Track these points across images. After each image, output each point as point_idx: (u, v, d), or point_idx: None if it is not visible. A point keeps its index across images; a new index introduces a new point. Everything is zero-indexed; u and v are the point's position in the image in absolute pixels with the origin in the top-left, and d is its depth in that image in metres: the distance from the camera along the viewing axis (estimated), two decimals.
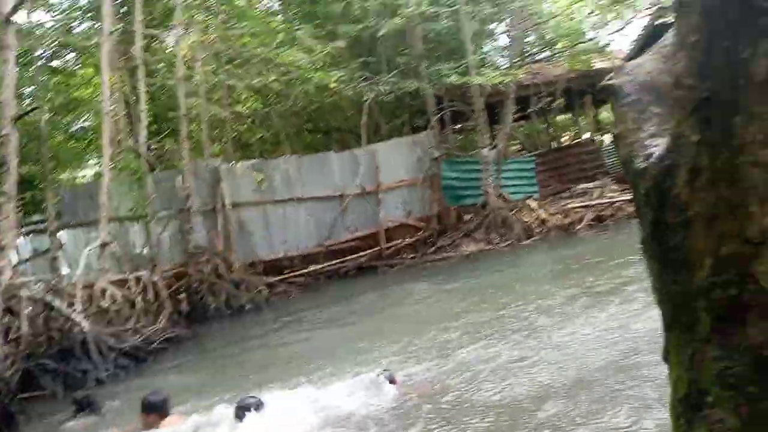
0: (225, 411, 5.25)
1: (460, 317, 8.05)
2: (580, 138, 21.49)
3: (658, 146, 2.02)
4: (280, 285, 14.56)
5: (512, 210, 15.32)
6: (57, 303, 8.95)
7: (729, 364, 1.68)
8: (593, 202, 15.02)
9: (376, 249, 15.69)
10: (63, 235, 12.66)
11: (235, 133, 18.07)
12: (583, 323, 6.45)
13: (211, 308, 12.81)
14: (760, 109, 1.55)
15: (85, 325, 8.93)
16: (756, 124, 1.56)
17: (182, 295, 13.00)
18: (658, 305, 1.81)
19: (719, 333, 1.69)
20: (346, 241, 15.65)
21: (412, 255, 15.58)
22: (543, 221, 14.71)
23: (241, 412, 4.84)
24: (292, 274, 15.23)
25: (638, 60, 2.47)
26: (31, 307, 8.67)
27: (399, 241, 16.05)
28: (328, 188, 15.55)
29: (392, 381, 5.32)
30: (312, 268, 15.39)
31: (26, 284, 8.88)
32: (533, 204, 15.57)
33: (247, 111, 18.07)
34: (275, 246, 15.05)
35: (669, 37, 2.37)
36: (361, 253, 15.65)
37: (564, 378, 4.97)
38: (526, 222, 14.81)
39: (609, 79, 2.48)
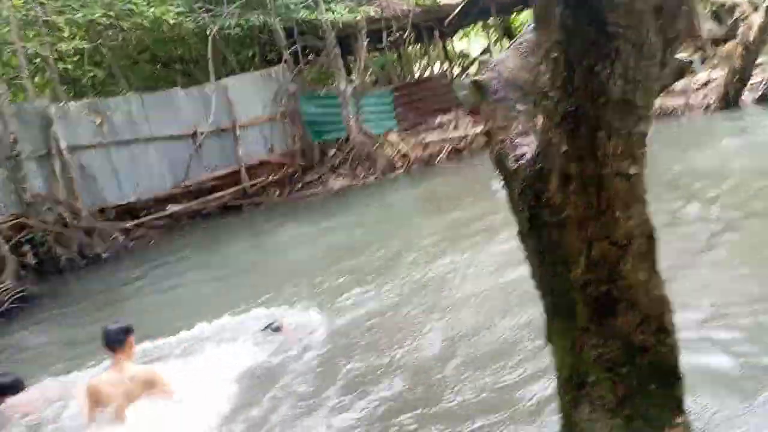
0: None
1: (339, 261, 7.92)
2: (432, 71, 22.15)
3: (527, 147, 2.15)
4: (138, 230, 13.66)
5: (374, 145, 15.59)
6: None
7: (604, 350, 1.93)
8: (449, 135, 15.74)
9: (238, 187, 15.21)
10: None
11: (62, 72, 16.04)
12: (457, 258, 6.72)
13: (62, 260, 11.73)
14: (619, 124, 1.73)
15: None
16: (616, 139, 1.75)
17: (26, 248, 11.69)
18: (540, 295, 1.99)
19: (595, 323, 1.93)
20: (206, 181, 14.96)
21: (278, 192, 15.35)
22: (404, 155, 15.19)
23: None
24: (148, 218, 14.31)
25: (501, 56, 2.58)
26: None
27: (263, 179, 15.68)
28: (178, 126, 14.60)
29: (278, 329, 5.20)
30: (171, 209, 14.58)
31: None
32: (394, 138, 15.96)
33: (73, 48, 16.01)
34: (125, 189, 13.99)
35: (526, 34, 2.51)
36: (223, 192, 15.09)
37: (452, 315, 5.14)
38: (389, 156, 15.19)
39: (476, 75, 2.61)
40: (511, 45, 2.56)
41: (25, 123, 12.48)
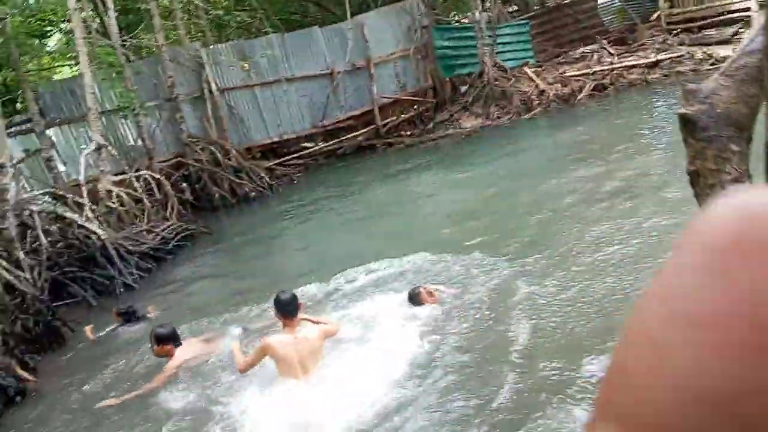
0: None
1: (479, 215, 7.99)
2: None
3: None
4: (280, 169, 14.44)
5: (510, 81, 14.98)
6: (69, 214, 8.78)
7: None
8: (593, 69, 14.69)
9: (372, 127, 15.43)
10: (51, 133, 12.13)
11: (212, 18, 16.79)
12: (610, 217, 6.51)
13: (215, 198, 12.75)
14: None
15: (101, 232, 8.85)
16: None
17: (184, 186, 12.82)
18: None
19: None
20: (342, 121, 15.31)
21: (410, 132, 15.40)
22: (542, 91, 14.46)
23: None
24: (289, 157, 15.04)
25: (710, 84, 2.22)
26: (42, 221, 8.50)
27: (395, 118, 15.77)
28: (316, 66, 14.89)
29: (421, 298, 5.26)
30: (309, 149, 15.22)
31: (34, 198, 8.64)
32: (531, 72, 15.20)
33: None
34: (269, 129, 14.69)
35: (741, 57, 2.13)
36: (358, 132, 15.41)
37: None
38: (525, 93, 14.56)
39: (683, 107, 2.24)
40: (722, 70, 2.27)
41: (180, 66, 13.37)
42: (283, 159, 14.98)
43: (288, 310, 4.49)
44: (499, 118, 14.19)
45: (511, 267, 5.72)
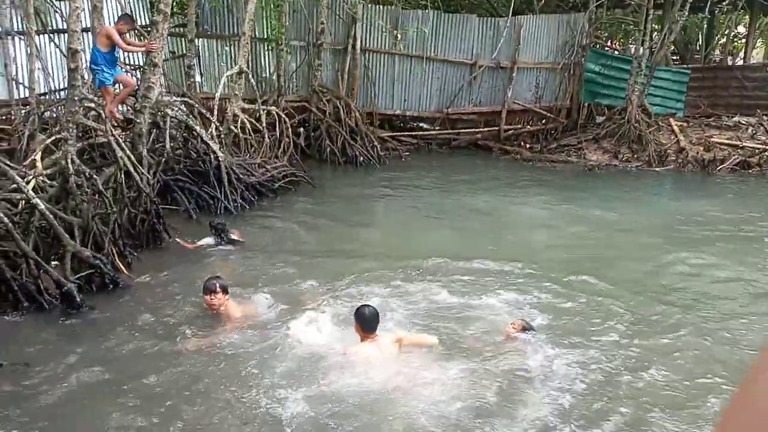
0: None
1: (576, 254, 7.61)
2: (746, 54, 19.09)
3: None
4: (392, 142, 14.45)
5: (650, 126, 14.21)
6: (197, 128, 9.12)
7: None
8: (743, 143, 13.67)
9: (494, 128, 15.13)
10: (199, 43, 12.62)
11: None
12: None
13: (326, 152, 12.93)
14: None
15: (220, 153, 9.16)
16: None
17: (301, 131, 13.07)
18: None
19: None
20: (466, 113, 15.09)
21: (529, 145, 14.97)
22: (682, 149, 13.62)
23: None
24: (404, 133, 15.01)
25: None
26: (171, 126, 8.87)
27: (520, 126, 15.37)
28: (461, 53, 14.67)
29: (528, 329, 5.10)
30: (426, 130, 15.13)
31: (172, 103, 9.01)
32: (675, 125, 14.34)
33: None
34: (395, 101, 14.69)
35: None
36: (478, 130, 15.15)
37: None
38: (662, 144, 13.77)
39: None
40: None
41: (334, 16, 13.52)
42: (397, 133, 14.99)
43: (371, 326, 4.47)
44: (628, 161, 13.51)
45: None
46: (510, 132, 15.19)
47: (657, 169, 13.16)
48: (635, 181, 12.50)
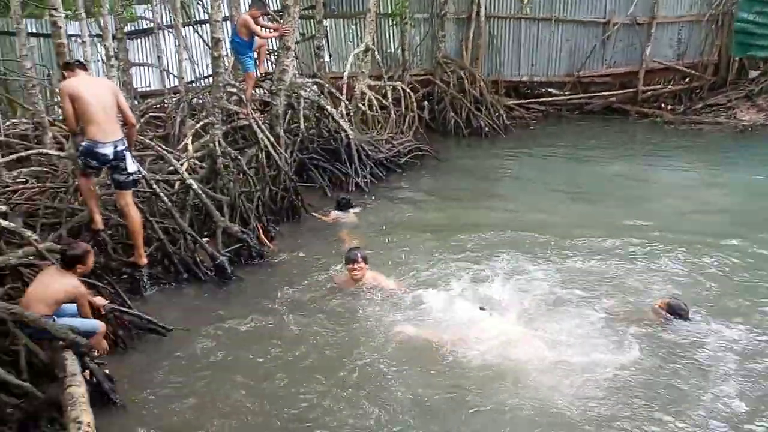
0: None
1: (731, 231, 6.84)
2: None
3: None
4: (519, 110, 14.05)
5: None
6: (328, 107, 9.46)
7: None
8: None
9: (631, 90, 14.19)
10: (327, 24, 13.02)
11: None
12: None
13: (450, 124, 12.88)
14: None
15: (350, 131, 9.45)
16: None
17: (425, 104, 13.09)
18: None
19: None
20: (600, 75, 14.27)
21: (671, 107, 13.89)
22: None
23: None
24: (532, 100, 14.53)
25: None
26: (305, 107, 9.26)
27: (660, 87, 14.28)
28: (593, 12, 13.83)
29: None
30: (555, 96, 14.54)
31: (305, 85, 9.42)
32: None
33: None
34: (521, 67, 14.23)
35: None
36: (613, 92, 14.29)
37: None
38: None
39: None
40: None
41: None
42: (524, 101, 14.54)
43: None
44: None
45: None
46: (649, 93, 14.17)
47: None
48: None
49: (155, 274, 5.92)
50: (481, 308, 4.84)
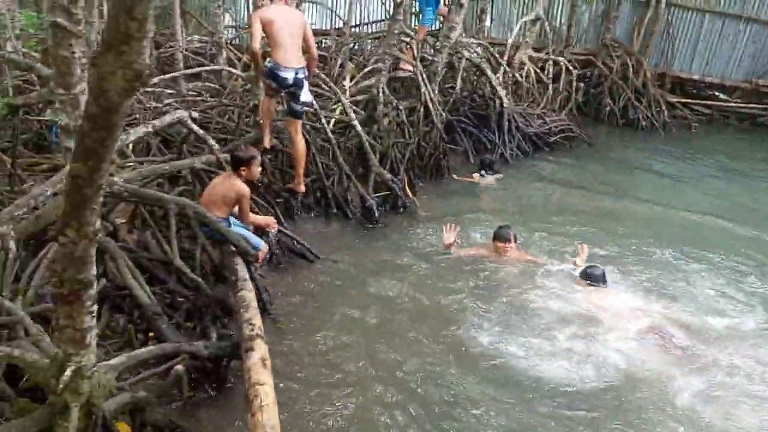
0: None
1: None
2: None
3: None
4: (682, 109, 13.05)
5: None
6: (489, 72, 9.26)
7: None
8: None
9: None
10: None
11: None
12: None
13: (604, 111, 12.23)
14: None
15: (505, 99, 9.23)
16: None
17: (581, 85, 12.48)
18: None
19: None
20: None
21: None
22: None
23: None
24: (699, 101, 13.44)
25: None
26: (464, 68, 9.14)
27: None
28: None
29: None
30: (722, 100, 13.36)
31: (469, 45, 9.26)
32: None
33: None
34: (694, 64, 13.14)
35: None
36: None
37: None
38: None
39: None
40: None
41: None
42: (689, 100, 13.47)
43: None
44: None
45: None
46: None
47: None
48: None
49: (308, 204, 6.19)
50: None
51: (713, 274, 5.60)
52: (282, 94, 5.66)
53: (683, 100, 13.31)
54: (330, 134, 6.24)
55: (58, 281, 1.99)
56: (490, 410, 3.60)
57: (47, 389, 2.25)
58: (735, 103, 13.27)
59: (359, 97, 7.49)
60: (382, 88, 7.20)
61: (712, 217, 7.51)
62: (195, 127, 4.85)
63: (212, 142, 4.88)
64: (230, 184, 4.47)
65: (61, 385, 2.11)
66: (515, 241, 5.46)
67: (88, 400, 2.22)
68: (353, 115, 6.58)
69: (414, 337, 4.29)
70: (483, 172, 8.09)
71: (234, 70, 7.45)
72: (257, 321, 3.33)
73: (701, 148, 11.22)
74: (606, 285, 4.93)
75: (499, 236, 5.44)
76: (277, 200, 5.93)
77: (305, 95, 5.60)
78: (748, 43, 12.78)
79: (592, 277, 4.92)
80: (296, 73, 5.47)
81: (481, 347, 4.20)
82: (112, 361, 2.57)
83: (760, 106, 13.07)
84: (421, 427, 3.41)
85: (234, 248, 4.19)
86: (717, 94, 13.65)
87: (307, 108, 5.82)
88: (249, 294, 3.65)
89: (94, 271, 2.03)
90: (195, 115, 5.12)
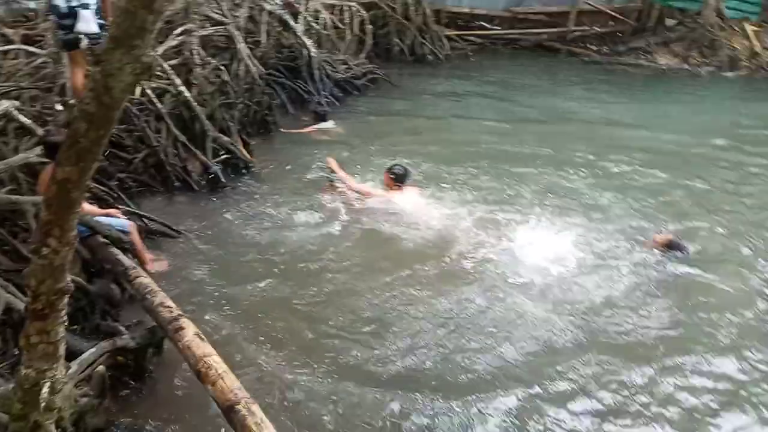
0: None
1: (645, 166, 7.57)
2: None
3: None
4: (458, 41, 14.37)
5: (723, 29, 13.90)
6: (292, 23, 9.31)
7: None
8: None
9: (562, 29, 14.91)
10: None
11: None
12: None
13: (394, 50, 12.99)
14: None
15: (313, 50, 9.41)
16: None
17: (369, 27, 13.03)
18: None
19: None
20: (535, 12, 14.84)
21: (596, 48, 14.79)
22: (754, 54, 13.41)
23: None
24: (470, 32, 14.89)
25: None
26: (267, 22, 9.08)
27: (587, 28, 15.11)
28: None
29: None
30: (489, 29, 14.99)
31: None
32: (750, 29, 14.01)
33: None
34: None
35: None
36: (545, 30, 14.96)
37: None
38: (735, 49, 13.55)
39: None
40: None
41: None
42: (463, 32, 14.86)
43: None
44: (698, 65, 13.39)
45: None
46: (577, 33, 14.97)
47: (728, 74, 13.07)
48: (708, 85, 12.50)
49: (146, 182, 5.89)
50: None
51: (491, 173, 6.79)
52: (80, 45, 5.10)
53: (458, 33, 14.66)
54: (158, 103, 5.94)
55: (33, 296, 1.85)
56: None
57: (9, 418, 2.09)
58: (501, 30, 14.97)
59: (171, 62, 7.10)
60: (197, 49, 6.94)
61: (494, 123, 9.21)
62: (23, 118, 4.34)
63: (41, 131, 4.42)
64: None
65: (42, 404, 1.99)
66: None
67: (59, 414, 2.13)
68: (178, 80, 6.29)
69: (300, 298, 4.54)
70: (318, 124, 8.29)
71: (31, 48, 6.53)
72: (170, 302, 3.30)
73: (482, 72, 12.63)
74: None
75: (400, 176, 5.92)
76: (112, 182, 5.57)
77: (83, 24, 5.05)
78: None
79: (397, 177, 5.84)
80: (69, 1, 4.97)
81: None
82: (70, 371, 2.43)
83: (518, 31, 14.92)
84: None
85: (105, 239, 3.97)
86: (485, 24, 15.24)
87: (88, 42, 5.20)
88: (146, 279, 3.55)
89: (69, 276, 1.92)
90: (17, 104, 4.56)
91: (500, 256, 5.09)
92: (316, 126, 8.15)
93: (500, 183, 6.70)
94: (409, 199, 5.82)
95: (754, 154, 8.25)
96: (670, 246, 5.14)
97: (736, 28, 14.13)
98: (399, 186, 5.88)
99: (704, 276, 4.99)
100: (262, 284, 4.58)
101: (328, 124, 8.24)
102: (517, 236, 5.38)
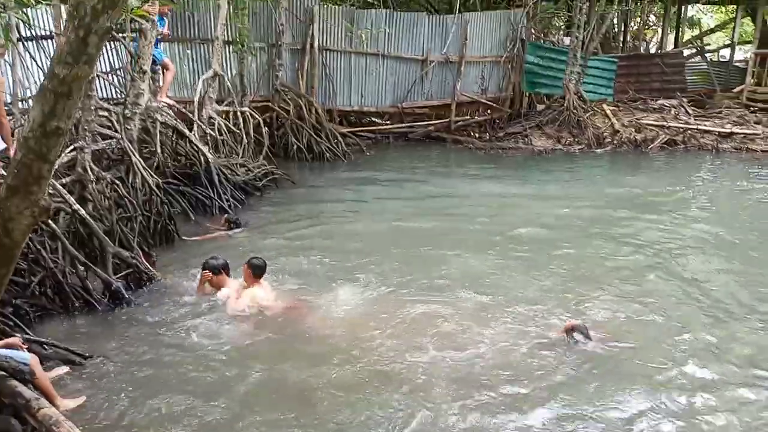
0: None
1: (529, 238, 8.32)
2: (661, 39, 21.00)
3: None
4: (352, 137, 15.09)
5: (586, 111, 15.59)
6: (188, 132, 9.48)
7: None
8: (668, 123, 15.28)
9: (445, 120, 16.08)
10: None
11: None
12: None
13: (292, 149, 13.43)
14: None
15: (210, 155, 9.56)
16: None
17: (265, 130, 13.45)
18: None
19: None
20: (420, 107, 15.96)
21: (479, 135, 16.03)
22: (616, 131, 15.07)
23: None
24: (362, 129, 15.71)
25: None
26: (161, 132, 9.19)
27: (468, 117, 16.40)
28: (413, 50, 15.50)
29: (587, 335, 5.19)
30: (380, 125, 15.89)
31: (161, 109, 9.33)
32: (608, 110, 15.79)
33: None
34: (352, 97, 15.34)
35: None
36: (431, 122, 16.06)
37: None
38: (599, 128, 15.17)
39: None
40: None
41: (292, 17, 13.97)
42: (356, 129, 15.66)
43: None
44: (570, 144, 14.81)
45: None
46: (460, 123, 16.18)
47: (597, 150, 14.54)
48: (579, 162, 13.82)
49: (42, 305, 5.62)
50: None
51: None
52: None
53: (351, 130, 15.42)
54: (52, 223, 5.79)
55: None
56: None
57: None
58: (390, 125, 15.91)
59: (64, 180, 6.98)
60: (89, 165, 6.89)
61: (400, 207, 9.98)
62: None
63: None
64: None
65: None
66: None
67: None
68: (72, 199, 6.18)
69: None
70: (233, 229, 8.34)
71: None
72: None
73: (378, 166, 13.26)
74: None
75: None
76: (7, 309, 5.27)
77: None
78: (388, 75, 15.46)
79: (254, 268, 5.98)
80: None
81: None
82: None
83: (406, 125, 15.93)
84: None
85: (3, 372, 3.75)
86: (375, 120, 16.18)
87: None
88: (50, 410, 3.38)
89: None
90: None
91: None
92: (223, 232, 8.16)
93: (405, 267, 7.00)
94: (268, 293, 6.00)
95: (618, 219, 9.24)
96: (574, 330, 5.24)
97: (597, 109, 15.88)
98: (257, 278, 5.98)
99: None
100: (179, 400, 4.41)
101: (239, 231, 8.27)
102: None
